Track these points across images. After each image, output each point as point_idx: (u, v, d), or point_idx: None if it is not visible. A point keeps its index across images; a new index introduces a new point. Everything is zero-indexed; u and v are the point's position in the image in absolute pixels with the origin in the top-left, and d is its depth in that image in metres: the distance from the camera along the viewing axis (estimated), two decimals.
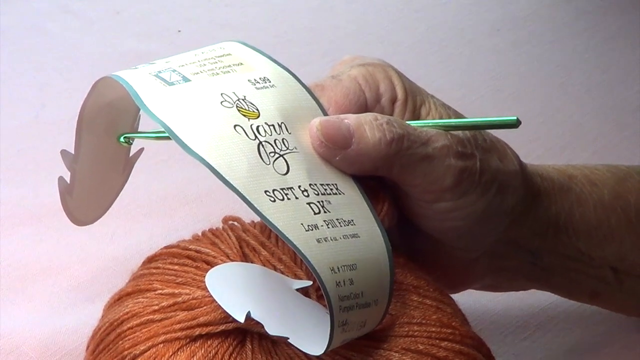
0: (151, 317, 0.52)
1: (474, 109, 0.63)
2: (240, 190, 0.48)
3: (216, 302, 0.50)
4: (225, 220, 0.57)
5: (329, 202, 0.50)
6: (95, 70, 0.89)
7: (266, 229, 0.56)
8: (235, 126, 0.50)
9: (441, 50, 1.01)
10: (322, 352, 0.48)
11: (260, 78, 0.53)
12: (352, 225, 0.50)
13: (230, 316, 0.50)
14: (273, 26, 1.02)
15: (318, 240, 0.49)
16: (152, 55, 0.88)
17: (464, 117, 0.57)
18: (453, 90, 0.90)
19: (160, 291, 0.53)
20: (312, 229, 0.49)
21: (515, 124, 0.53)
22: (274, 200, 0.49)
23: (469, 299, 0.63)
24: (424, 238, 0.57)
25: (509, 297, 0.71)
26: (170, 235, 0.73)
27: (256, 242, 0.54)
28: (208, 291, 0.51)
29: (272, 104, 0.52)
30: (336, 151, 0.52)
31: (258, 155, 0.50)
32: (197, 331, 0.50)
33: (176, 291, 0.53)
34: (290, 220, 0.49)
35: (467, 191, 0.55)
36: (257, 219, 0.58)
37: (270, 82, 0.53)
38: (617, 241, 0.61)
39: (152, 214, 0.78)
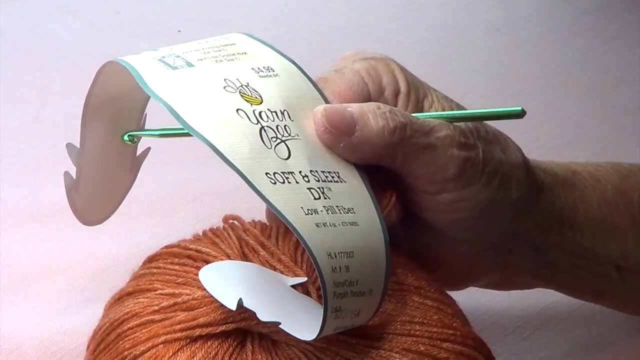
0: (151, 317, 0.52)
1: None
2: (241, 170, 0.48)
3: (216, 302, 0.50)
4: (226, 219, 0.57)
5: (330, 189, 0.51)
6: (95, 70, 0.89)
7: (266, 229, 0.56)
8: (237, 110, 0.51)
9: (441, 50, 1.01)
10: (314, 337, 0.48)
11: (264, 67, 0.54)
12: (351, 213, 0.50)
13: (231, 317, 0.50)
14: (273, 26, 1.02)
15: (317, 225, 0.49)
16: None
17: (467, 109, 0.57)
18: (453, 90, 0.89)
19: (160, 291, 0.53)
20: (312, 213, 0.49)
21: (520, 114, 0.53)
22: (275, 183, 0.49)
23: (469, 299, 0.63)
24: (429, 233, 0.58)
25: (509, 297, 0.71)
26: (171, 235, 0.73)
27: (256, 242, 0.54)
28: (208, 291, 0.51)
29: (275, 92, 0.52)
30: (340, 138, 0.52)
31: (260, 139, 0.50)
32: (198, 332, 0.50)
33: (176, 291, 0.53)
34: (290, 202, 0.49)
35: (471, 181, 0.55)
36: (257, 217, 0.58)
37: (274, 71, 0.54)
38: (621, 238, 0.61)
39: (152, 214, 0.78)
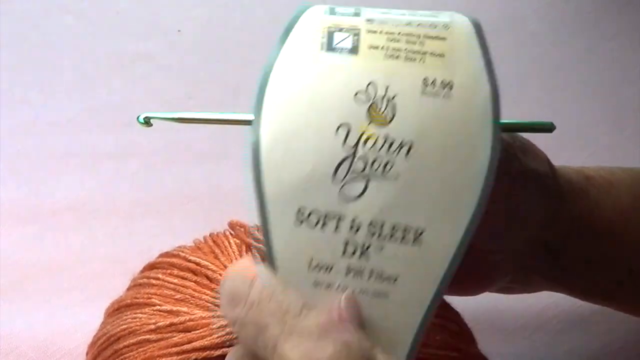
0: (147, 336, 0.51)
1: None
2: (266, 193, 0.41)
3: (213, 324, 0.50)
4: (232, 225, 0.57)
5: (382, 248, 0.42)
6: (95, 70, 0.89)
7: None
8: (339, 127, 0.42)
9: None
10: None
11: (441, 82, 0.43)
12: (389, 283, 0.42)
13: (227, 341, 0.49)
14: (273, 26, 1.02)
15: (315, 284, 0.42)
16: (152, 56, 0.88)
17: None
18: None
19: (158, 307, 0.53)
20: (319, 271, 0.42)
21: (550, 129, 0.53)
22: (300, 223, 0.41)
23: (469, 299, 0.63)
24: None
25: (509, 297, 0.71)
26: (170, 235, 0.73)
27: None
28: (206, 311, 0.51)
29: (417, 118, 0.42)
30: None
31: (333, 169, 0.42)
32: (194, 355, 0.49)
33: (174, 309, 0.52)
34: (296, 252, 0.42)
35: (508, 192, 0.55)
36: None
37: (450, 89, 0.43)
38: (635, 242, 0.61)
39: (152, 214, 0.78)
